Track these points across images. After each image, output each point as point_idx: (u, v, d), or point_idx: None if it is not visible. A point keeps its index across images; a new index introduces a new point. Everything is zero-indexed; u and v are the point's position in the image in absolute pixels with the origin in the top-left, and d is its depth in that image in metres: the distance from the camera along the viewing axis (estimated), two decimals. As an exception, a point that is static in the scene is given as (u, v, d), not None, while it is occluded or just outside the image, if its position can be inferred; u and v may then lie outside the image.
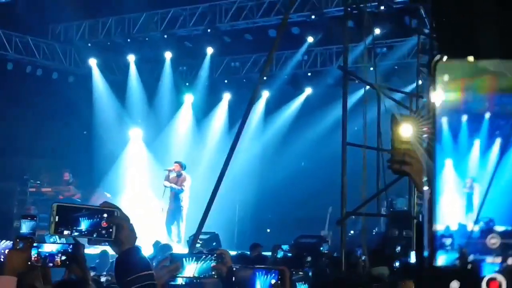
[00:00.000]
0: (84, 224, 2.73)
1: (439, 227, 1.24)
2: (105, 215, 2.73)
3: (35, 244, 3.83)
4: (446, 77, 1.42)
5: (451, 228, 1.24)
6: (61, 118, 21.11)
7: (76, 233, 2.75)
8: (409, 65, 19.24)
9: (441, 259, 1.20)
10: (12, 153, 20.76)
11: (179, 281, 4.47)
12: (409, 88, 17.19)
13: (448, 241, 1.22)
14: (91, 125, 22.15)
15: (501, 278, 1.08)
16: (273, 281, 3.82)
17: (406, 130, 2.81)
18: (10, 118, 20.09)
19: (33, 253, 3.78)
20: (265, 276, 3.86)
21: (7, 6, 18.49)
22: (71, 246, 3.75)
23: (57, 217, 2.72)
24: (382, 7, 16.58)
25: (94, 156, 21.89)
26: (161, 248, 12.88)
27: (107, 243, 2.79)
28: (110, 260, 13.11)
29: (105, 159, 21.74)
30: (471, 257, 1.15)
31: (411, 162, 2.78)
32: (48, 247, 3.88)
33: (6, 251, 4.10)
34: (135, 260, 2.75)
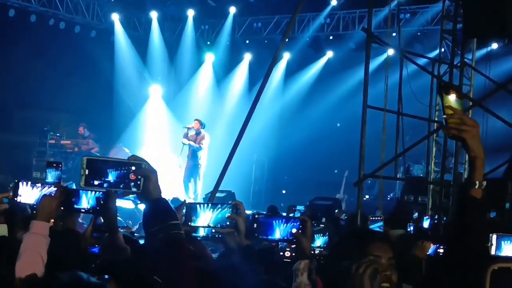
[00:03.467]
0: (113, 177, 2.80)
1: None
2: (133, 167, 2.80)
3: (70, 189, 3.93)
4: None
5: None
6: (82, 72, 21.15)
7: (105, 185, 2.82)
8: (431, 32, 19.14)
9: None
10: (32, 106, 20.91)
11: (201, 232, 4.55)
12: (432, 54, 17.11)
13: None
14: (112, 81, 22.20)
15: None
16: (294, 230, 3.87)
17: (454, 98, 2.94)
18: (31, 71, 20.17)
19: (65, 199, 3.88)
20: (285, 224, 3.91)
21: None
22: (102, 195, 3.83)
23: (87, 170, 2.79)
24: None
25: (114, 112, 22.02)
26: (172, 203, 13.04)
27: (135, 195, 2.87)
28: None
29: (125, 114, 21.86)
30: None
31: (468, 128, 2.91)
32: (81, 195, 3.98)
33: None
34: (162, 210, 2.82)
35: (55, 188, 4.23)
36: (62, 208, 3.87)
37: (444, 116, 2.93)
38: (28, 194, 4.53)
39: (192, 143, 17.84)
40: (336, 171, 19.57)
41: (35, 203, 4.46)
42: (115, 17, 22.18)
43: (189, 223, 4.18)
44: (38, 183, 4.60)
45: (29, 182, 4.56)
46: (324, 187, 19.53)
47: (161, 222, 2.78)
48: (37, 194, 4.48)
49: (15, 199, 4.49)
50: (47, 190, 4.53)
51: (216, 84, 23.43)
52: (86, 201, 3.99)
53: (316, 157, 21.57)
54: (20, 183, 4.52)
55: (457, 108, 2.93)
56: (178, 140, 18.68)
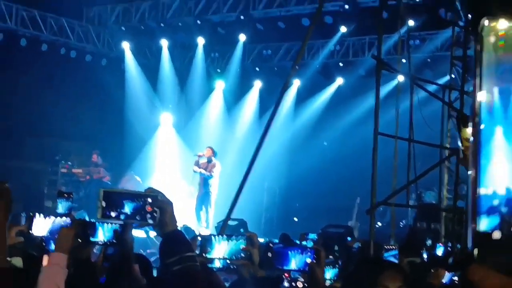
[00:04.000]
0: (129, 208, 2.81)
1: (486, 190, 1.26)
2: (149, 200, 2.81)
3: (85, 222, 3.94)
4: (492, 39, 1.40)
5: (498, 193, 1.26)
6: (93, 100, 21.29)
7: (122, 217, 2.83)
8: (441, 58, 19.16)
9: (484, 224, 1.24)
10: (44, 134, 20.99)
11: (216, 264, 4.54)
12: (442, 81, 17.12)
13: (495, 205, 1.24)
14: (123, 109, 22.30)
15: None
16: (308, 260, 3.88)
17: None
18: (43, 99, 20.30)
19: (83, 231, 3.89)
20: (301, 255, 3.91)
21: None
22: (119, 227, 3.84)
23: (104, 202, 2.80)
24: (417, -1, 16.57)
25: (125, 140, 22.08)
26: (184, 231, 12.99)
27: (151, 226, 2.88)
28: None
29: (136, 142, 21.91)
30: None
31: None
32: (97, 227, 3.98)
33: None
34: (177, 242, 2.83)
35: (69, 219, 4.24)
36: (79, 240, 3.88)
37: (462, 148, 2.95)
38: (41, 226, 4.54)
39: (203, 171, 17.86)
40: (358, 198, 19.44)
41: (48, 235, 4.46)
42: (126, 45, 22.33)
43: (204, 255, 4.19)
44: (51, 215, 4.60)
45: (42, 214, 4.57)
46: (336, 214, 19.46)
47: (177, 253, 2.79)
48: (51, 226, 4.48)
49: (30, 232, 4.50)
50: (59, 220, 4.53)
51: (227, 112, 23.48)
52: (103, 233, 4.00)
53: (327, 184, 21.52)
54: (36, 214, 4.52)
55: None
56: (189, 168, 18.70)
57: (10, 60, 19.74)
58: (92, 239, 4.02)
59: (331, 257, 5.99)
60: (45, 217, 4.57)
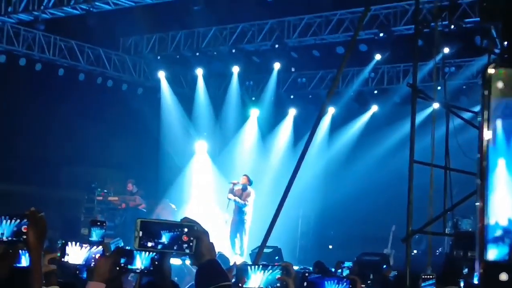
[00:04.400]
0: (166, 238, 2.83)
1: (490, 221, 1.27)
2: (186, 229, 2.83)
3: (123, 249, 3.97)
4: (500, 84, 1.46)
5: (500, 223, 1.26)
6: (129, 129, 21.48)
7: (159, 247, 2.85)
8: (477, 85, 19.05)
9: (492, 254, 1.24)
10: (80, 162, 21.21)
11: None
12: (477, 108, 17.00)
13: (498, 235, 1.25)
14: (158, 137, 22.45)
15: None
16: None
17: None
18: (80, 128, 20.55)
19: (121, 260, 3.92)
20: (336, 285, 3.90)
21: (80, 18, 18.95)
22: (157, 255, 3.87)
23: (141, 232, 2.83)
24: (452, 26, 16.49)
25: (160, 167, 22.19)
26: (219, 258, 12.93)
27: (187, 256, 2.90)
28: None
29: (171, 170, 22.01)
30: None
31: None
32: (135, 255, 4.02)
33: (97, 255, 4.25)
34: (213, 271, 2.84)
35: (101, 247, 4.27)
36: (117, 268, 3.91)
37: None
38: (76, 254, 4.58)
39: (237, 199, 17.85)
40: (394, 226, 19.30)
41: (83, 263, 4.50)
42: (161, 74, 22.55)
43: (240, 285, 4.20)
44: (85, 243, 4.64)
45: (78, 243, 4.61)
46: (371, 242, 19.33)
47: (213, 283, 2.80)
48: (85, 254, 4.53)
49: (62, 259, 4.53)
50: (95, 249, 4.58)
51: (261, 139, 23.51)
52: (140, 261, 4.03)
53: (362, 211, 21.40)
54: (69, 243, 4.57)
55: None
56: (224, 195, 18.71)
57: (48, 89, 20.03)
58: (129, 266, 4.04)
59: (363, 286, 5.94)
60: (79, 244, 4.62)
